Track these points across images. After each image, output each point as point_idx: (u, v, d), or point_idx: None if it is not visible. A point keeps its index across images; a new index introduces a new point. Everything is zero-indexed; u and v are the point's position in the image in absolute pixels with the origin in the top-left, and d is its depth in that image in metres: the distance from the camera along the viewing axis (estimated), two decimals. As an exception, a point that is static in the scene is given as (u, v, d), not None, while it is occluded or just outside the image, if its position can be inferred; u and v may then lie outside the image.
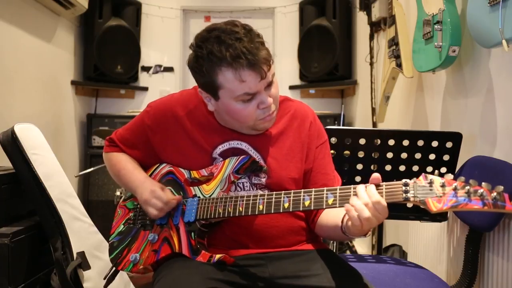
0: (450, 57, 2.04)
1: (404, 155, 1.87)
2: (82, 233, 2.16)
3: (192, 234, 1.34)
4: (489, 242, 1.75)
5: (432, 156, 1.84)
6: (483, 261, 1.79)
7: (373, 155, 1.90)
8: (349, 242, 3.49)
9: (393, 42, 2.74)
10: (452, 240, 2.05)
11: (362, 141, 1.88)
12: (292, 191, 1.25)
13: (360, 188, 1.14)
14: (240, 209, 1.29)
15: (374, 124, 3.44)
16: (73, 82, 4.23)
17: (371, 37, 3.61)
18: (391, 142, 1.86)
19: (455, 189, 1.04)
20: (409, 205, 1.86)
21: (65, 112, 4.10)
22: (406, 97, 2.99)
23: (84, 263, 2.06)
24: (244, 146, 1.42)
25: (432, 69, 2.17)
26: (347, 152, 1.90)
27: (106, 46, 4.33)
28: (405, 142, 1.85)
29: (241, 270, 1.31)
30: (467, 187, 1.03)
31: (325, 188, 1.21)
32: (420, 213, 1.94)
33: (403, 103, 3.04)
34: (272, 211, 1.26)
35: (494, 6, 1.62)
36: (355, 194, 1.14)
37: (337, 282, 1.27)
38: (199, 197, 1.39)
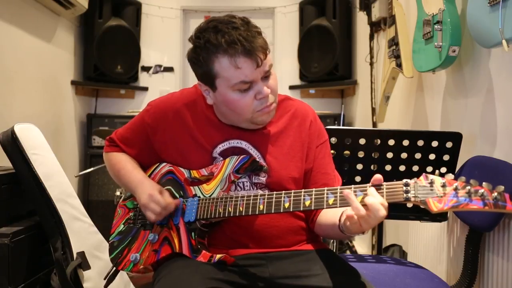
0: (450, 57, 2.04)
1: (404, 155, 1.87)
2: (82, 233, 2.16)
3: (193, 234, 1.34)
4: (489, 242, 1.75)
5: (432, 156, 1.84)
6: (483, 261, 1.79)
7: (373, 155, 1.90)
8: (349, 242, 3.50)
9: (393, 42, 2.74)
10: (452, 240, 2.05)
11: (362, 141, 1.88)
12: (293, 191, 1.25)
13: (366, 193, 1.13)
14: (241, 209, 1.29)
15: (374, 124, 3.44)
16: (73, 82, 4.23)
17: (371, 37, 3.61)
18: (391, 142, 1.86)
19: (455, 189, 1.04)
20: (409, 205, 1.86)
21: (65, 112, 4.10)
22: (406, 97, 2.99)
23: (84, 263, 2.06)
24: (244, 145, 1.42)
25: (432, 69, 2.17)
26: (347, 152, 1.90)
27: (106, 46, 4.33)
28: (405, 142, 1.85)
29: (242, 270, 1.31)
30: (468, 187, 1.03)
31: (325, 188, 1.21)
32: (420, 213, 1.94)
33: (403, 103, 3.04)
34: (273, 211, 1.26)
35: (494, 6, 1.62)
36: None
37: (337, 282, 1.27)
38: (199, 197, 1.39)
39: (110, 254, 1.47)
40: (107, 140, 1.62)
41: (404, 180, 1.10)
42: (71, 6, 3.74)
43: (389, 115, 3.07)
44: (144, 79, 4.79)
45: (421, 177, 1.10)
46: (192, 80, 1.40)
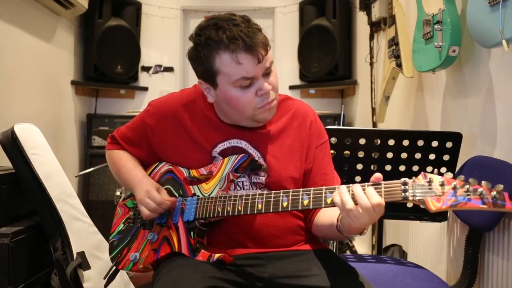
0: (450, 57, 2.04)
1: (404, 155, 1.87)
2: (82, 233, 2.16)
3: (192, 233, 1.34)
4: (489, 242, 1.75)
5: (432, 156, 1.84)
6: (483, 261, 1.79)
7: (373, 155, 1.90)
8: (349, 242, 3.50)
9: (393, 42, 2.74)
10: (452, 240, 2.05)
11: (362, 141, 1.88)
12: (291, 190, 1.25)
13: (357, 188, 1.13)
14: (239, 208, 1.29)
15: (374, 124, 3.44)
16: (73, 82, 4.23)
17: (371, 37, 3.61)
18: (391, 142, 1.86)
19: (454, 188, 1.03)
20: (409, 204, 1.86)
21: (65, 112, 4.10)
22: (406, 97, 2.99)
23: (84, 263, 2.06)
24: (243, 144, 1.42)
25: (432, 69, 2.17)
26: (347, 152, 1.90)
27: (106, 46, 4.33)
28: (405, 142, 1.85)
29: (241, 270, 1.31)
30: (467, 186, 1.02)
31: (323, 187, 1.20)
32: (420, 213, 1.94)
33: (403, 103, 3.04)
34: (271, 210, 1.25)
35: (494, 6, 1.62)
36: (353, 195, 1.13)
37: (336, 282, 1.27)
38: (198, 196, 1.39)
39: (110, 253, 1.47)
40: (109, 138, 1.63)
41: (402, 179, 1.10)
42: (71, 6, 3.74)
43: (389, 115, 3.07)
44: (144, 79, 4.79)
45: (420, 176, 1.08)
46: (192, 80, 1.41)
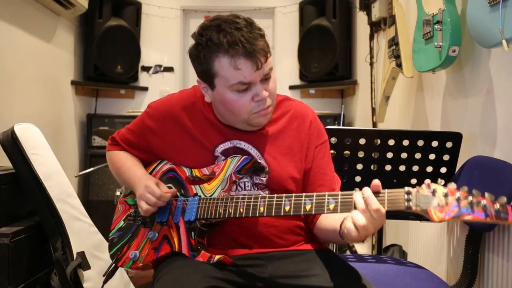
0: (450, 57, 2.04)
1: (404, 155, 1.87)
2: (82, 233, 2.16)
3: (192, 233, 1.34)
4: (489, 242, 1.75)
5: (432, 156, 1.84)
6: (483, 261, 1.79)
7: (373, 155, 1.90)
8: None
9: (393, 42, 2.74)
10: (452, 240, 2.05)
11: (362, 141, 1.88)
12: (294, 194, 1.25)
13: (358, 196, 1.14)
14: (241, 210, 1.29)
15: (374, 124, 3.44)
16: (73, 82, 4.23)
17: (371, 37, 3.61)
18: (391, 142, 1.86)
19: (457, 199, 1.03)
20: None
21: (65, 112, 4.10)
22: (406, 97, 2.99)
23: (84, 263, 2.06)
24: (243, 145, 1.42)
25: (432, 69, 2.17)
26: (347, 152, 1.90)
27: (106, 46, 4.33)
28: (405, 142, 1.85)
29: (241, 270, 1.31)
30: (470, 198, 1.02)
31: (326, 193, 1.20)
32: (420, 213, 1.93)
33: (403, 103, 3.04)
34: (273, 214, 1.25)
35: (494, 6, 1.62)
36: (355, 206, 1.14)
37: (336, 282, 1.27)
38: (200, 196, 1.39)
39: (109, 250, 1.47)
40: (109, 139, 1.63)
41: (406, 188, 1.10)
42: (71, 6, 3.74)
43: (389, 115, 3.07)
44: (144, 79, 4.79)
45: (423, 186, 1.09)
46: (192, 80, 1.41)
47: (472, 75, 2.11)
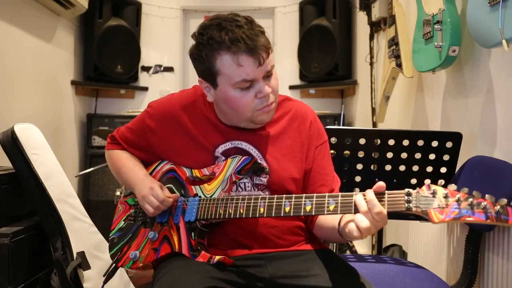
0: (450, 57, 2.04)
1: (404, 155, 1.87)
2: (82, 233, 2.16)
3: (192, 234, 1.34)
4: (489, 242, 1.75)
5: (432, 156, 1.84)
6: (483, 261, 1.79)
7: (373, 155, 1.90)
8: (349, 242, 3.49)
9: (393, 42, 2.74)
10: (452, 240, 2.05)
11: (362, 141, 1.88)
12: (294, 195, 1.25)
13: (359, 198, 1.14)
14: (241, 211, 1.29)
15: (374, 124, 3.44)
16: (73, 82, 4.23)
17: (371, 37, 3.61)
18: (391, 142, 1.86)
19: (458, 200, 1.04)
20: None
21: (65, 112, 4.10)
22: (406, 97, 2.99)
23: (84, 263, 2.06)
24: (244, 145, 1.42)
25: (432, 69, 2.17)
26: (347, 152, 1.90)
27: (106, 46, 4.33)
28: (405, 142, 1.85)
29: (241, 270, 1.31)
30: (470, 199, 1.03)
31: (326, 194, 1.21)
32: (420, 213, 1.93)
33: (403, 103, 3.04)
34: (273, 215, 1.25)
35: (494, 6, 1.62)
36: (356, 209, 1.14)
37: (336, 282, 1.27)
38: (200, 196, 1.39)
39: (110, 251, 1.47)
40: (109, 138, 1.63)
41: (406, 190, 1.10)
42: (71, 6, 3.74)
43: (389, 115, 3.07)
44: (144, 79, 4.79)
45: (424, 187, 1.09)
46: (192, 80, 1.41)
47: (472, 75, 2.10)
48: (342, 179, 1.55)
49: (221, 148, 1.42)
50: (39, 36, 3.57)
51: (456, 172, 1.87)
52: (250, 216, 1.28)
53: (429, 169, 1.85)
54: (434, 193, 1.07)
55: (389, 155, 1.88)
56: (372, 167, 1.93)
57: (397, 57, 2.67)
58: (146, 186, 1.40)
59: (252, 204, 1.28)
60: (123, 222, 1.50)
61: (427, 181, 1.10)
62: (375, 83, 3.57)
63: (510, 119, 1.81)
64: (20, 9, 3.26)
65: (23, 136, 2.08)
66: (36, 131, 2.22)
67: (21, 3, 3.27)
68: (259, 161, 1.39)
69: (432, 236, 2.23)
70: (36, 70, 3.54)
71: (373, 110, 3.52)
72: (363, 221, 1.11)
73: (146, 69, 4.80)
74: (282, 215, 1.24)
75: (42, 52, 3.63)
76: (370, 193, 1.13)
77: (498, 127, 1.88)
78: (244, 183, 1.40)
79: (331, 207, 1.18)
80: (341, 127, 3.86)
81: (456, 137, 1.82)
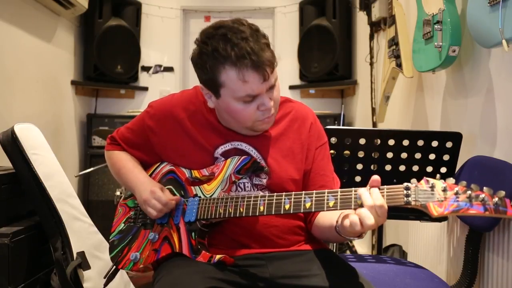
0: (450, 57, 2.04)
1: (404, 155, 1.87)
2: (82, 233, 2.16)
3: (193, 234, 1.34)
4: (489, 242, 1.75)
5: (432, 156, 1.84)
6: (483, 261, 1.79)
7: (373, 155, 1.90)
8: (349, 242, 3.49)
9: (393, 42, 2.74)
10: (452, 240, 2.05)
11: (362, 141, 1.88)
12: (293, 192, 1.25)
13: (364, 192, 1.13)
14: (241, 210, 1.29)
15: (374, 124, 3.44)
16: (73, 82, 4.23)
17: (371, 37, 3.61)
18: (391, 142, 1.86)
19: (456, 193, 1.04)
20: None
21: (65, 112, 4.10)
22: (406, 97, 2.99)
23: (84, 263, 2.06)
24: (244, 146, 1.42)
25: (432, 69, 2.17)
26: (347, 152, 1.90)
27: (106, 46, 4.33)
28: (405, 142, 1.85)
29: (242, 270, 1.31)
30: (469, 192, 1.03)
31: (326, 191, 1.21)
32: (420, 213, 1.92)
33: (403, 103, 3.04)
34: (273, 212, 1.26)
35: (494, 6, 1.62)
36: (360, 204, 1.13)
37: (336, 282, 1.27)
38: (200, 197, 1.39)
39: (110, 253, 1.47)
40: (108, 138, 1.62)
41: (405, 184, 1.10)
42: (71, 6, 3.74)
43: (389, 115, 3.07)
44: (144, 79, 4.79)
45: (422, 181, 1.09)
46: (192, 80, 1.41)
47: (472, 75, 2.11)
48: (342, 179, 1.55)
49: (221, 149, 1.42)
50: (39, 36, 3.57)
51: (456, 172, 1.87)
52: (250, 214, 1.28)
53: (429, 169, 1.85)
54: (432, 187, 1.07)
55: (389, 155, 1.88)
56: (372, 167, 1.93)
57: (397, 57, 2.67)
58: (146, 189, 1.40)
59: (252, 202, 1.28)
60: (123, 225, 1.50)
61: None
62: (375, 83, 3.57)
63: (510, 119, 1.81)
64: (20, 9, 3.26)
65: (23, 136, 2.08)
66: (36, 131, 2.22)
67: (21, 3, 3.27)
68: (258, 161, 1.39)
69: (432, 236, 2.23)
70: (36, 70, 3.54)
71: (373, 110, 3.52)
72: (369, 218, 1.10)
73: (146, 69, 4.80)
74: (282, 212, 1.24)
75: (42, 52, 3.63)
76: (372, 187, 1.13)
77: (498, 127, 1.88)
78: (244, 183, 1.40)
79: (331, 203, 1.18)
80: (341, 127, 3.86)
81: (456, 137, 1.82)
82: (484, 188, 1.03)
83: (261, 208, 1.26)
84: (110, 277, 1.48)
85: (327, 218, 1.35)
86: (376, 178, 1.14)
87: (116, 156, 1.58)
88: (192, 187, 1.41)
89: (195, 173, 1.43)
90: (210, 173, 1.40)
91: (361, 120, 4.08)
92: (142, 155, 1.55)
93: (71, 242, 2.04)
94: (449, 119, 2.34)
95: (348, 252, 3.41)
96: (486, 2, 1.66)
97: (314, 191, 1.22)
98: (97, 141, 4.25)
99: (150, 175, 1.50)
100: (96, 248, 2.18)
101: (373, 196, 1.11)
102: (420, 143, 1.84)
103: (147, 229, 1.43)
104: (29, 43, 3.42)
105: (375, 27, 3.53)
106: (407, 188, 1.10)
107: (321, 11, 4.49)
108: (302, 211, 1.22)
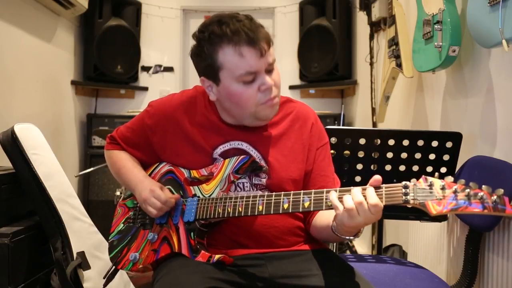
0: (450, 57, 2.04)
1: (404, 155, 1.87)
2: (82, 233, 2.16)
3: (192, 234, 1.34)
4: (489, 242, 1.75)
5: (432, 156, 1.84)
6: (483, 261, 1.79)
7: (373, 155, 1.90)
8: (349, 242, 3.50)
9: (393, 42, 2.74)
10: (452, 240, 2.05)
11: (362, 141, 1.88)
12: (292, 192, 1.25)
13: (356, 189, 1.14)
14: (240, 209, 1.29)
15: (374, 124, 3.44)
16: (73, 82, 4.23)
17: (371, 37, 3.61)
18: (391, 142, 1.86)
19: (455, 191, 1.04)
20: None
21: (65, 112, 4.10)
22: (406, 97, 2.99)
23: (84, 263, 2.06)
24: (244, 146, 1.42)
25: (432, 69, 2.17)
26: (347, 152, 1.90)
27: (106, 46, 4.33)
28: (405, 142, 1.85)
29: (241, 270, 1.31)
30: (467, 190, 1.03)
31: (324, 190, 1.21)
32: (420, 213, 1.91)
33: (403, 103, 3.04)
34: (272, 212, 1.26)
35: (494, 6, 1.62)
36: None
37: (336, 282, 1.28)
38: (198, 196, 1.39)
39: (109, 253, 1.47)
40: (108, 138, 1.62)
41: (403, 182, 1.10)
42: (71, 6, 3.74)
43: (389, 115, 3.07)
44: (144, 79, 4.79)
45: (421, 180, 1.09)
46: (192, 80, 1.41)
47: (472, 75, 2.10)
48: (342, 179, 1.55)
49: (220, 150, 1.42)
50: (39, 36, 3.57)
51: (456, 172, 1.87)
52: (249, 214, 1.28)
53: (429, 169, 1.85)
54: (431, 185, 1.07)
55: (389, 155, 1.88)
56: (372, 167, 1.93)
57: (397, 57, 2.67)
58: (146, 188, 1.40)
59: (250, 202, 1.28)
60: (122, 225, 1.50)
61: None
62: (375, 83, 3.57)
63: (510, 119, 1.81)
64: (20, 9, 3.26)
65: (23, 136, 2.08)
66: (36, 131, 2.22)
67: (21, 3, 3.27)
68: (257, 160, 1.39)
69: (432, 236, 2.23)
70: (36, 70, 3.54)
71: (373, 110, 3.52)
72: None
73: (146, 69, 4.80)
74: (280, 212, 1.25)
75: (42, 52, 3.63)
76: (369, 187, 1.14)
77: (498, 127, 1.88)
78: (243, 183, 1.40)
79: (330, 202, 1.18)
80: (341, 127, 3.86)
81: (456, 137, 1.82)
82: (483, 186, 1.03)
83: (260, 207, 1.26)
84: (109, 277, 1.48)
85: (324, 218, 1.35)
86: (377, 178, 1.14)
87: (115, 155, 1.58)
88: (191, 187, 1.41)
89: (194, 173, 1.43)
90: (209, 173, 1.40)
91: (361, 120, 4.08)
92: (141, 154, 1.55)
93: (71, 242, 2.04)
94: (449, 119, 2.34)
95: (348, 252, 3.41)
96: (486, 2, 1.66)
97: (313, 190, 1.22)
98: (97, 141, 4.25)
99: (149, 175, 1.50)
100: (96, 248, 2.18)
101: (367, 195, 1.11)
102: (420, 143, 1.84)
103: (146, 229, 1.43)
104: (29, 43, 3.42)
105: (375, 27, 3.53)
106: (406, 187, 1.10)
107: (321, 11, 4.49)
108: (300, 210, 1.22)
